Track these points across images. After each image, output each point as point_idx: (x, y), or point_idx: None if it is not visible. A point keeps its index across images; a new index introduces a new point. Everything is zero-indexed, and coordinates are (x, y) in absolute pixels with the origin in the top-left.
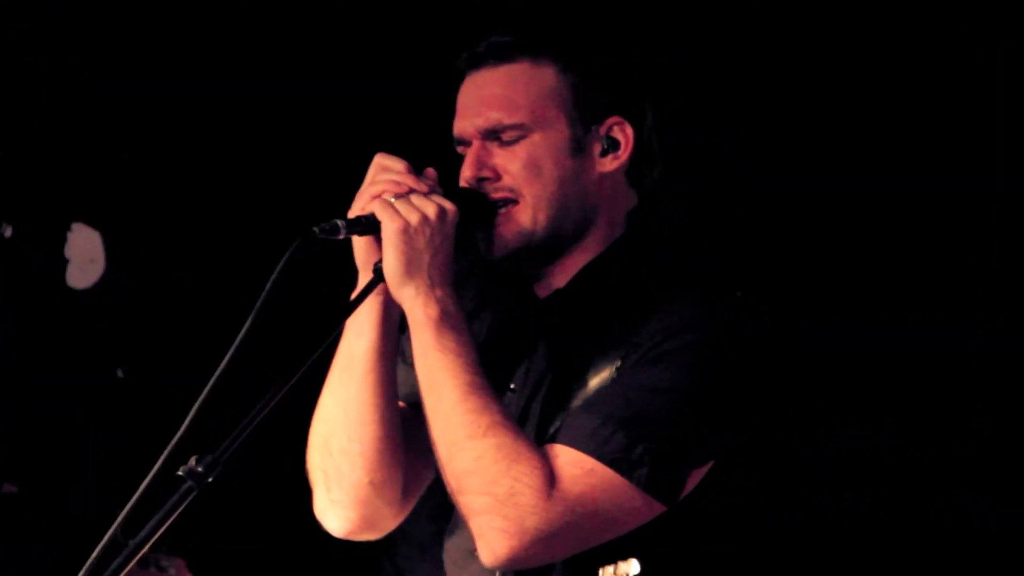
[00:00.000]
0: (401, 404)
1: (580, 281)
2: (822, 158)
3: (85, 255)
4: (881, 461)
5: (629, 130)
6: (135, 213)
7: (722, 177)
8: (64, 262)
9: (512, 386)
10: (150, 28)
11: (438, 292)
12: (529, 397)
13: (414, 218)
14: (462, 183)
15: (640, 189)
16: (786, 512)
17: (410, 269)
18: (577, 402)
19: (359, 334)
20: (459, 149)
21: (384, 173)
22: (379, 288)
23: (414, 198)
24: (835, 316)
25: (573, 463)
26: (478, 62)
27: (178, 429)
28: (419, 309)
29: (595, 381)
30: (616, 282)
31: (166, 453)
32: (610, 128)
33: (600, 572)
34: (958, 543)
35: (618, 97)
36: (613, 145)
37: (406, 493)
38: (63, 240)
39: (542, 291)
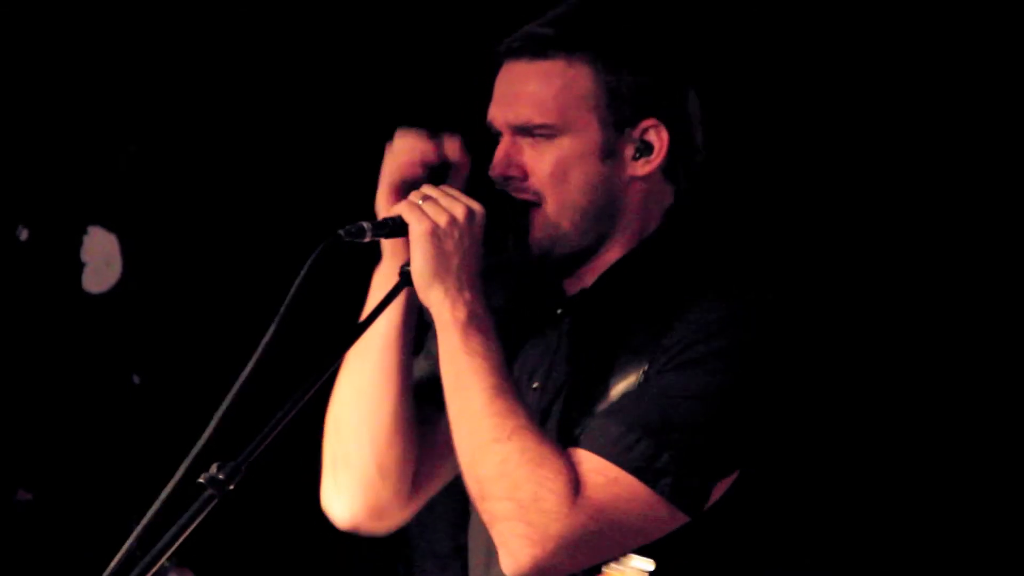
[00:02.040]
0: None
1: (607, 280)
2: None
3: (101, 259)
4: (881, 461)
5: (664, 133)
6: (151, 210)
7: (752, 173)
8: (80, 266)
9: (535, 384)
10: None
11: (466, 295)
12: (552, 396)
13: (443, 219)
14: (491, 174)
15: (677, 185)
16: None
17: (438, 271)
18: (601, 404)
19: (373, 327)
20: (492, 130)
21: (396, 162)
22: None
23: (442, 199)
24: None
25: (597, 470)
26: (515, 53)
27: (198, 436)
28: (447, 312)
29: (620, 384)
30: (645, 282)
31: (188, 460)
32: (644, 131)
33: (604, 569)
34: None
35: (654, 97)
36: (646, 148)
37: (416, 487)
38: (79, 243)
39: (570, 288)
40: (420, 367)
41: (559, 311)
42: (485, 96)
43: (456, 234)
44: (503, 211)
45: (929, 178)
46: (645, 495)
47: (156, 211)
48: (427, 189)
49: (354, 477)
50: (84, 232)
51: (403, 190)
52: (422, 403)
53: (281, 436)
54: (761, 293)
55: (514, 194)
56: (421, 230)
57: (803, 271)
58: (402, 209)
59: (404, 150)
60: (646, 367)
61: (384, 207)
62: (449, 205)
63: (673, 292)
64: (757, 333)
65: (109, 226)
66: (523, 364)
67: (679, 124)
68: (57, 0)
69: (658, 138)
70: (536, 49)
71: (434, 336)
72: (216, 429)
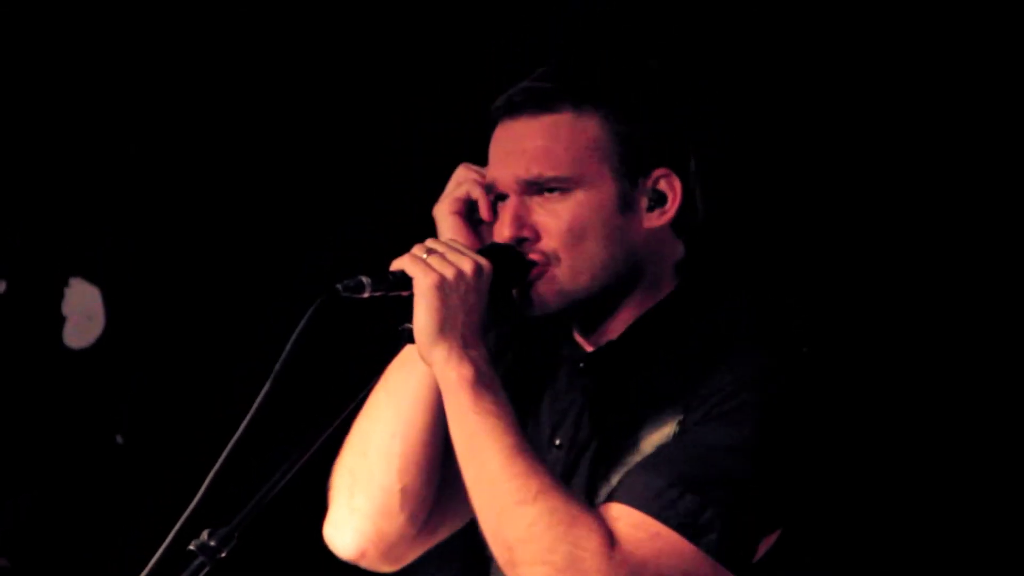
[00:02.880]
0: None
1: (633, 334)
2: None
3: (83, 312)
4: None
5: (676, 183)
6: (136, 259)
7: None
8: (61, 319)
9: (558, 442)
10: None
11: (472, 352)
12: (577, 454)
13: (449, 273)
14: (499, 240)
15: (685, 237)
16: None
17: (443, 328)
18: (632, 458)
19: (409, 363)
20: (489, 196)
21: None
22: None
23: (448, 252)
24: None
25: (636, 525)
26: (516, 110)
27: (186, 500)
28: (452, 371)
29: (652, 436)
30: (674, 335)
31: (177, 526)
32: (657, 181)
33: None
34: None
35: (665, 146)
36: (660, 199)
37: (429, 525)
38: (60, 296)
39: (589, 343)
40: None
41: (581, 365)
42: (478, 152)
43: (462, 289)
44: (504, 267)
45: (949, 213)
46: (689, 552)
47: (142, 260)
48: (432, 243)
49: (373, 500)
50: (65, 284)
51: (465, 208)
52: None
53: (275, 501)
54: (795, 344)
55: (528, 255)
56: (427, 284)
57: (827, 315)
58: (405, 263)
59: (480, 173)
60: (681, 417)
61: (444, 216)
62: (456, 259)
63: (708, 344)
64: (797, 386)
65: (92, 278)
66: (544, 421)
67: (687, 173)
68: (53, 12)
69: (671, 188)
70: (539, 103)
71: None
72: (207, 493)
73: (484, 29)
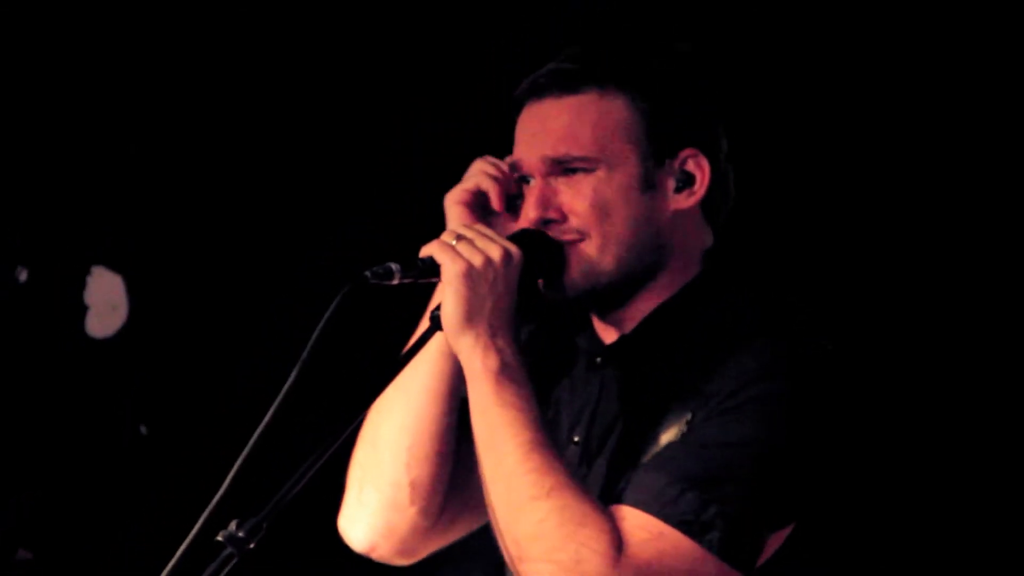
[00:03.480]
0: None
1: (649, 326)
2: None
3: (106, 301)
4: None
5: (705, 163)
6: (161, 248)
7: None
8: (84, 309)
9: (576, 438)
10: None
11: (499, 342)
12: (595, 451)
13: (477, 260)
14: (524, 223)
15: (715, 224)
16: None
17: (471, 316)
18: (647, 457)
19: (424, 354)
20: (517, 175)
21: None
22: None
23: (477, 239)
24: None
25: (641, 526)
26: (541, 91)
27: (212, 491)
28: (478, 360)
29: (666, 435)
30: (689, 328)
31: (204, 517)
32: (684, 161)
33: None
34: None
35: (692, 127)
36: (688, 180)
37: (442, 520)
38: (82, 285)
39: (608, 336)
40: None
41: (598, 360)
42: (500, 140)
43: (491, 276)
44: (533, 253)
45: (950, 213)
46: (692, 550)
47: (166, 249)
48: (461, 228)
49: (382, 492)
50: (88, 273)
51: (476, 201)
52: (467, 429)
53: (304, 491)
54: (810, 338)
55: (557, 236)
56: (455, 271)
57: (844, 310)
58: (434, 249)
59: (496, 166)
60: (690, 416)
61: (451, 204)
62: (485, 246)
63: (717, 339)
64: (806, 379)
65: (114, 266)
66: (563, 416)
67: (718, 155)
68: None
69: (699, 168)
70: (564, 84)
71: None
72: (234, 483)
73: (484, 29)
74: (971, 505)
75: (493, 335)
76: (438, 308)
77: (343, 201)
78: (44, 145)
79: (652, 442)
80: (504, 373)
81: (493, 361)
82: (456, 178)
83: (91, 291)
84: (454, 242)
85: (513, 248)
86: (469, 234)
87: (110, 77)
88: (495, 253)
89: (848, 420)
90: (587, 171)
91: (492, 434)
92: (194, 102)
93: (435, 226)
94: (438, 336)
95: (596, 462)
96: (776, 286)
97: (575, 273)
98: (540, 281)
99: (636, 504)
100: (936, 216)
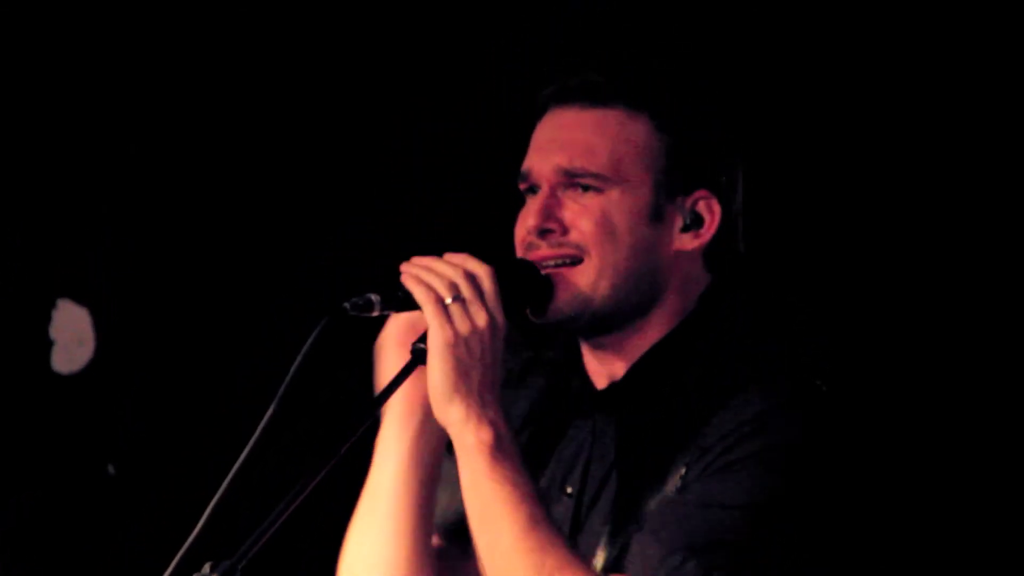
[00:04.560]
0: (436, 539)
1: (641, 370)
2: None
3: (72, 336)
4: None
5: (716, 207)
6: (127, 277)
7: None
8: (49, 344)
9: (569, 490)
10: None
11: (490, 413)
12: (589, 504)
13: (464, 329)
14: (521, 231)
15: (715, 271)
16: None
17: (459, 386)
18: (645, 510)
19: (385, 457)
20: (521, 186)
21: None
22: (410, 402)
23: (469, 304)
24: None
25: None
26: (567, 98)
27: (184, 533)
28: (470, 434)
29: (663, 488)
30: (683, 371)
31: (177, 560)
32: (696, 202)
33: None
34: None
35: (711, 169)
36: (697, 221)
37: None
38: (48, 319)
39: (600, 379)
40: (442, 501)
41: (589, 408)
42: (500, 140)
43: (479, 347)
44: (520, 280)
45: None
46: None
47: (133, 278)
48: (454, 276)
49: None
50: (53, 307)
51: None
52: (446, 541)
53: (281, 533)
54: (806, 382)
55: (553, 250)
56: (441, 341)
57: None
58: (422, 299)
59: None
60: (683, 471)
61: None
62: (475, 313)
63: (713, 385)
64: (804, 427)
65: (80, 299)
66: (554, 466)
67: (731, 203)
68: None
69: (709, 212)
70: (592, 96)
71: (453, 463)
72: (208, 524)
73: (484, 29)
74: (971, 508)
75: (483, 406)
76: (420, 340)
77: (343, 201)
78: (43, 145)
79: (649, 494)
80: (498, 447)
81: (486, 434)
82: (456, 178)
83: (57, 325)
84: (449, 301)
85: (499, 317)
86: (464, 292)
87: (110, 78)
88: (482, 322)
89: (855, 460)
90: (598, 190)
91: (487, 510)
92: (194, 102)
93: (435, 226)
94: (393, 479)
95: (591, 517)
96: (771, 329)
97: (564, 296)
98: (527, 311)
99: None
100: (936, 221)
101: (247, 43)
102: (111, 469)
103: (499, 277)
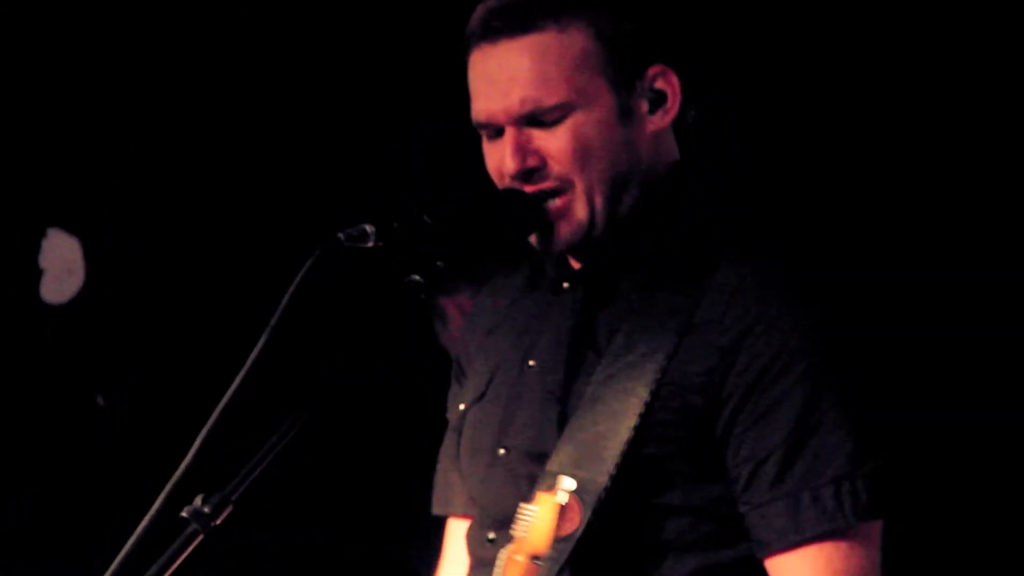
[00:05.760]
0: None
1: (613, 246)
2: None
3: (62, 265)
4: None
5: (674, 78)
6: (118, 210)
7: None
8: (38, 273)
9: (531, 363)
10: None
11: None
12: (552, 373)
13: None
14: (500, 177)
15: (681, 140)
16: None
17: None
18: (614, 380)
19: None
20: (483, 133)
21: None
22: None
23: None
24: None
25: (817, 558)
26: (494, 33)
27: (175, 464)
28: None
29: (643, 364)
30: (659, 243)
31: (167, 491)
32: (653, 80)
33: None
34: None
35: (655, 41)
36: (660, 98)
37: None
38: (37, 248)
39: (577, 262)
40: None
41: (566, 284)
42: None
43: None
44: (523, 213)
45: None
46: (865, 533)
47: (123, 211)
48: None
49: None
50: (43, 236)
51: None
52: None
53: (274, 465)
54: (789, 269)
55: (537, 185)
56: None
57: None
58: None
59: None
60: (677, 340)
61: None
62: None
63: (689, 256)
64: (814, 338)
65: (70, 229)
66: (517, 341)
67: (684, 67)
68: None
69: (669, 85)
70: (519, 23)
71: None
72: (198, 455)
73: None
74: (973, 508)
75: None
76: (412, 275)
77: (343, 201)
78: (44, 145)
79: (622, 365)
80: None
81: None
82: (456, 178)
83: (46, 255)
84: None
85: None
86: None
87: (110, 77)
88: None
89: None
90: (562, 118)
91: None
92: (194, 102)
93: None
94: None
95: (568, 387)
96: (743, 202)
97: (564, 231)
98: (532, 238)
99: (787, 543)
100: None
101: (247, 43)
102: (100, 400)
103: (506, 208)
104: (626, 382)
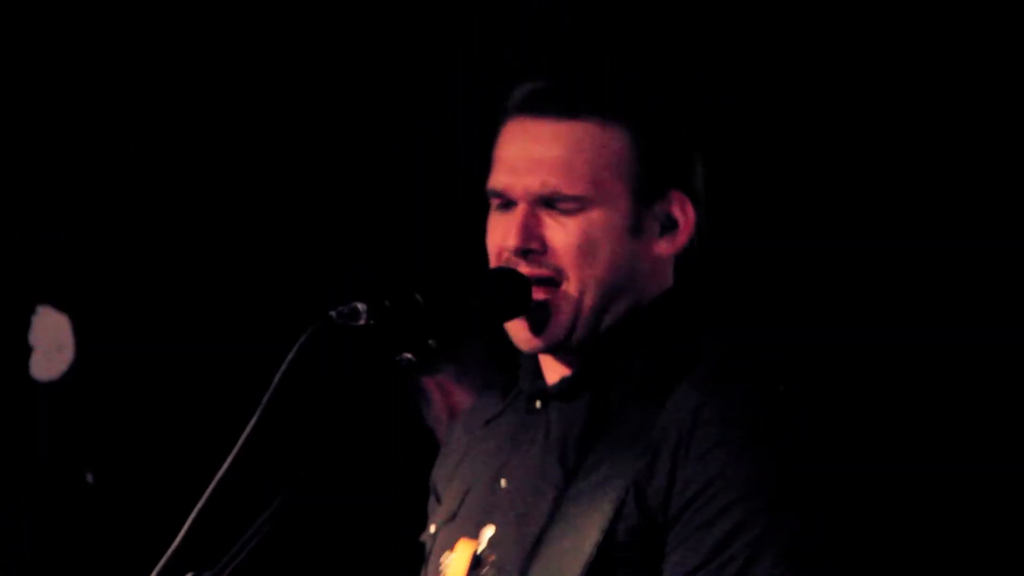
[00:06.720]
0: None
1: (590, 366)
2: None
3: (52, 342)
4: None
5: (690, 209)
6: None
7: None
8: (28, 350)
9: (503, 483)
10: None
11: None
12: (522, 494)
13: None
14: (499, 253)
15: (680, 273)
16: None
17: None
18: (583, 496)
19: None
20: (494, 202)
21: None
22: None
23: None
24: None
25: None
26: (537, 109)
27: (164, 544)
28: None
29: (610, 476)
30: (633, 367)
31: (158, 570)
32: (671, 204)
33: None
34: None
35: (680, 166)
36: (671, 225)
37: None
38: (27, 325)
39: (552, 376)
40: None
41: (538, 403)
42: (477, 152)
43: None
44: (510, 293)
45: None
46: None
47: (115, 284)
48: None
49: None
50: (33, 312)
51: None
52: None
53: (265, 543)
54: (770, 382)
55: (532, 268)
56: None
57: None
58: None
59: None
60: (648, 460)
61: None
62: None
63: (654, 379)
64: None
65: (60, 305)
66: (490, 459)
67: (699, 197)
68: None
69: (684, 214)
70: (564, 107)
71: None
72: (189, 534)
73: (484, 29)
74: (970, 507)
75: None
76: (403, 353)
77: (343, 201)
78: (44, 145)
79: (589, 493)
80: None
81: None
82: (456, 178)
83: (37, 331)
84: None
85: None
86: None
87: (110, 77)
88: None
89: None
90: (578, 211)
91: None
92: (193, 103)
93: (434, 226)
94: None
95: (534, 510)
96: (721, 323)
97: (549, 324)
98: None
99: None
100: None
101: (247, 43)
102: (90, 477)
103: (497, 287)
104: (592, 499)
